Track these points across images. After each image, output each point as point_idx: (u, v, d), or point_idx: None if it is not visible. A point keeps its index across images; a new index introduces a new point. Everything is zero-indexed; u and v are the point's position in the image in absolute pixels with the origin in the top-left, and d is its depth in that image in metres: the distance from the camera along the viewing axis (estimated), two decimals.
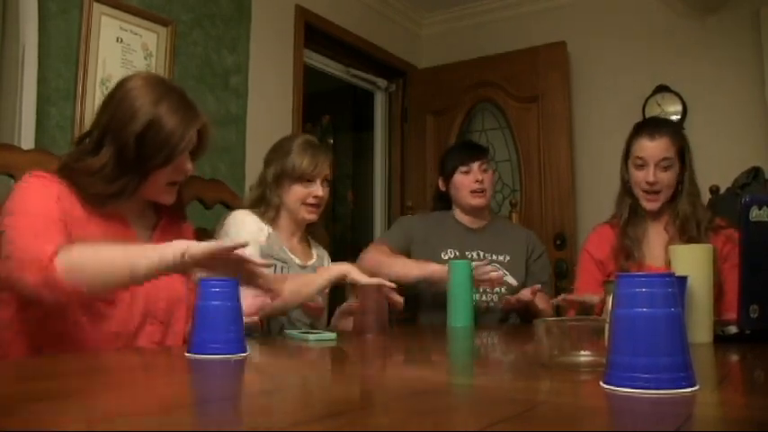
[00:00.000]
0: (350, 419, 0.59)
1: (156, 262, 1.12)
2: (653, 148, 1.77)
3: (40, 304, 1.12)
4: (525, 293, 1.88)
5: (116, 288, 1.17)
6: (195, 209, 1.80)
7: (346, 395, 0.76)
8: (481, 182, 2.12)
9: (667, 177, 1.78)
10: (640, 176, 1.79)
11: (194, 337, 0.99)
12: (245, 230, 1.67)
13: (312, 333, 1.33)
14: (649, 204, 1.80)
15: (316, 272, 1.79)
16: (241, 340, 1.01)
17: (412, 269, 1.97)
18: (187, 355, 0.99)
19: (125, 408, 0.65)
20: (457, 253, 2.12)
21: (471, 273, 1.77)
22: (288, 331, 1.42)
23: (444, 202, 2.27)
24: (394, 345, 1.41)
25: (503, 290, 2.06)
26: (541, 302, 2.10)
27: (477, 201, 2.13)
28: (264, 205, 1.76)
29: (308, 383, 0.87)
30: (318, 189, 1.75)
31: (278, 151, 1.80)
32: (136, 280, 1.14)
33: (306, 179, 1.74)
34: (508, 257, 2.12)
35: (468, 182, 2.13)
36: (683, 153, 1.80)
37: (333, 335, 1.34)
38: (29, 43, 1.95)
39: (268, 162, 1.82)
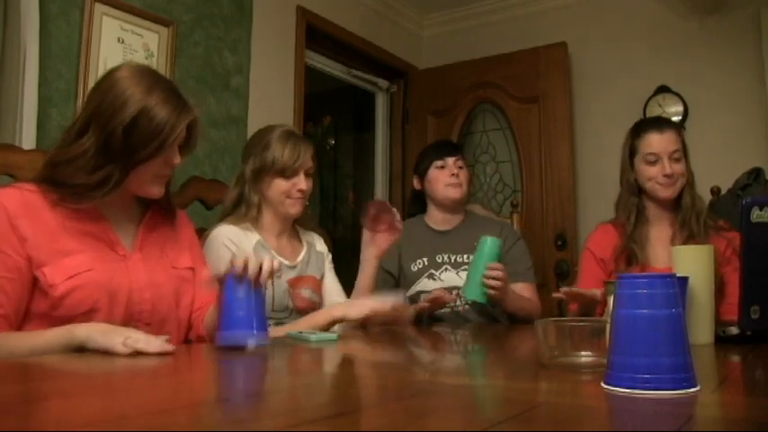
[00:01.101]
0: (350, 419, 0.59)
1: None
2: (664, 141, 1.79)
3: None
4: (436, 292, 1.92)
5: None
6: (196, 209, 1.81)
7: (346, 395, 0.76)
8: (456, 176, 2.11)
9: (680, 168, 1.80)
10: (654, 171, 1.80)
11: (223, 328, 1.13)
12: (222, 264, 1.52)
13: (313, 333, 1.33)
14: (666, 191, 1.80)
15: (307, 265, 1.75)
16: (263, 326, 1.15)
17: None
18: (220, 343, 1.12)
19: (125, 408, 0.65)
20: (426, 261, 2.10)
21: (499, 250, 1.88)
22: (289, 332, 1.42)
23: (419, 203, 2.25)
24: (394, 345, 1.41)
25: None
26: (524, 291, 2.07)
27: (452, 192, 2.11)
28: (245, 206, 1.67)
29: (308, 384, 0.87)
30: (302, 182, 1.66)
31: (256, 145, 1.69)
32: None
33: (288, 172, 1.65)
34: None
35: (443, 176, 2.12)
36: (684, 147, 1.84)
37: (334, 335, 1.34)
38: (30, 44, 1.96)
39: (245, 157, 1.72)
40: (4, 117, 1.95)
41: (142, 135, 1.18)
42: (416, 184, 2.23)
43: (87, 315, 1.17)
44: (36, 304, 1.17)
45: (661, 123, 1.86)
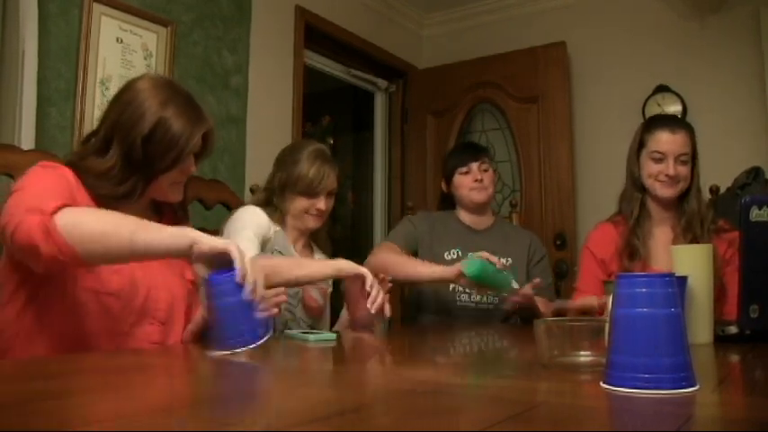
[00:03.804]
0: (350, 419, 0.59)
1: (160, 242, 1.09)
2: (673, 142, 1.76)
3: (37, 263, 1.07)
4: (526, 288, 1.87)
5: (114, 257, 1.12)
6: (195, 209, 1.80)
7: (346, 395, 0.76)
8: (481, 180, 2.13)
9: (685, 171, 1.77)
10: (658, 169, 1.77)
11: (221, 334, 1.06)
12: (256, 222, 1.70)
13: (312, 333, 1.33)
14: (665, 191, 1.77)
15: None
16: (261, 325, 1.08)
17: (422, 271, 1.94)
18: (213, 354, 1.05)
19: (125, 408, 0.65)
20: (460, 253, 2.11)
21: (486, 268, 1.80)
22: (288, 331, 1.42)
23: (448, 203, 2.27)
24: (394, 345, 1.41)
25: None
26: (542, 305, 2.09)
27: (477, 195, 2.13)
28: (271, 209, 1.78)
29: (308, 383, 0.87)
30: (321, 202, 1.76)
31: (287, 158, 1.81)
32: (135, 253, 1.10)
33: (309, 193, 1.75)
34: (510, 260, 2.11)
35: (467, 181, 2.14)
36: (694, 150, 1.80)
37: (333, 335, 1.35)
38: (29, 43, 1.95)
39: (277, 166, 1.83)
40: (3, 116, 1.95)
41: (160, 146, 1.22)
42: (444, 187, 2.26)
43: (108, 295, 1.20)
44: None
45: (674, 123, 1.81)
